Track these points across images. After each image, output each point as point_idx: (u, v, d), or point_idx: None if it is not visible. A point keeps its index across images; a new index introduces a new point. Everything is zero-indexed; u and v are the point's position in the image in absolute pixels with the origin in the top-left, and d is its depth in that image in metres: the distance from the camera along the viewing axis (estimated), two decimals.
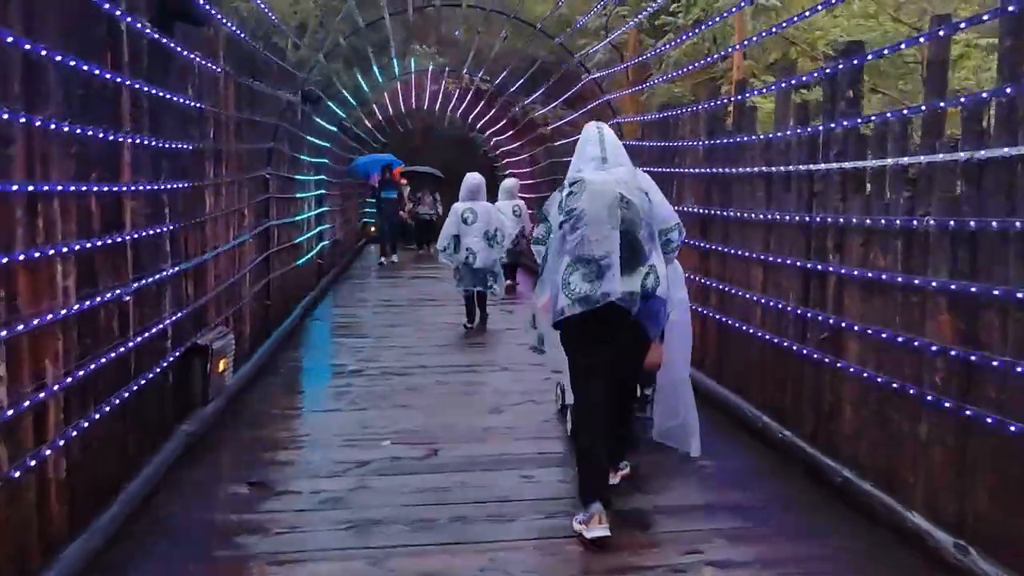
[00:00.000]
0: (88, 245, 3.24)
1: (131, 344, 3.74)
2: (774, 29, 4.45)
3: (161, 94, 4.15)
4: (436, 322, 8.92)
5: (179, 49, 4.27)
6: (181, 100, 4.51)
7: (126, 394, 3.63)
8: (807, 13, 4.21)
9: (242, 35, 5.78)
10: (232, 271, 5.96)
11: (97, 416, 3.31)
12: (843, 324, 3.93)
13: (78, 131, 3.08)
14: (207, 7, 4.36)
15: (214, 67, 5.33)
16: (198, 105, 4.94)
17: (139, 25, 3.74)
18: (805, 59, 13.96)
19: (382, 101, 17.01)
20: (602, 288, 3.43)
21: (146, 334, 3.96)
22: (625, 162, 3.78)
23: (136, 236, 3.81)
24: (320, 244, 11.33)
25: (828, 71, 3.85)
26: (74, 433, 3.09)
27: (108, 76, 3.43)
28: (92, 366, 3.25)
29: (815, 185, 4.27)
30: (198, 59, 4.90)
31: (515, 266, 11.76)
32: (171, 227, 4.36)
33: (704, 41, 15.79)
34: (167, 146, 4.30)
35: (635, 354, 3.71)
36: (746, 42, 4.98)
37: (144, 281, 3.95)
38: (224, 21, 4.83)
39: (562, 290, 3.53)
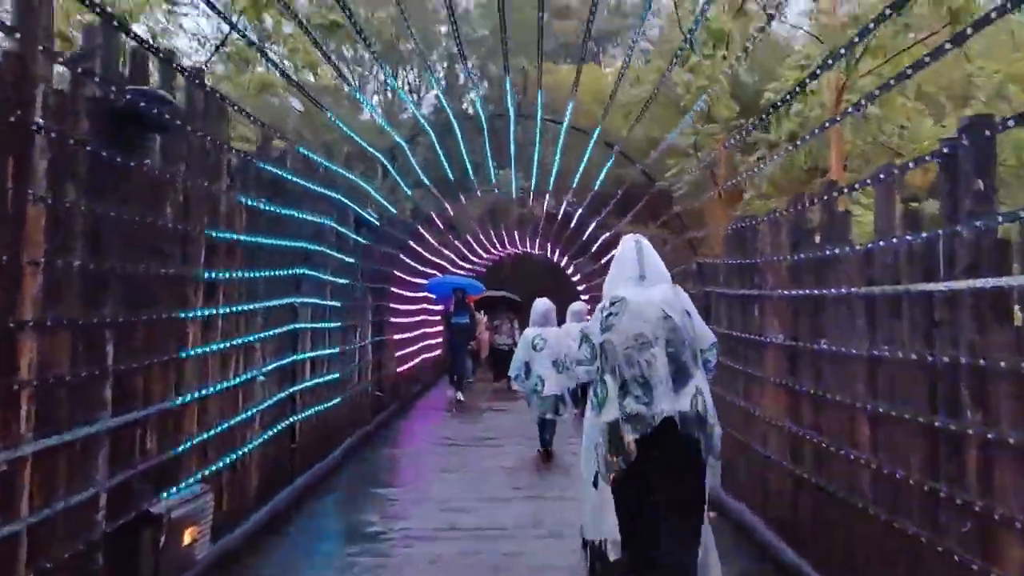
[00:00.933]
0: None
1: (19, 524, 2.90)
2: (858, 108, 3.40)
3: (108, 212, 3.49)
4: (492, 466, 7.86)
5: (121, 160, 3.59)
6: (145, 220, 3.84)
7: None
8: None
9: (246, 155, 5.21)
10: (233, 413, 5.16)
11: None
12: (996, 515, 2.67)
13: None
14: (161, 114, 3.72)
15: (212, 186, 4.74)
16: (180, 227, 4.30)
17: (48, 130, 3.08)
18: (914, 172, 12.77)
19: (468, 226, 16.77)
20: (655, 408, 3.34)
21: (52, 507, 3.11)
22: (664, 279, 3.70)
23: (40, 381, 3.04)
24: (378, 374, 10.58)
25: (946, 150, 2.77)
26: None
27: None
28: None
29: (936, 311, 3.12)
30: (182, 175, 4.31)
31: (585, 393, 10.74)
32: (110, 367, 3.59)
33: (799, 152, 14.84)
34: (118, 271, 3.60)
35: (688, 472, 3.47)
36: (826, 124, 4.00)
37: (56, 437, 3.15)
38: (189, 129, 4.19)
39: (619, 416, 3.41)
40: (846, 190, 3.71)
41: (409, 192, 11.56)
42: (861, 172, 15.67)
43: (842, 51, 3.33)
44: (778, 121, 14.47)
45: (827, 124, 4.11)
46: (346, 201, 8.13)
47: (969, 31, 2.60)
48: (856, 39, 3.72)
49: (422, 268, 14.16)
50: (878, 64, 14.44)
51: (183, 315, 4.33)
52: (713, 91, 10.88)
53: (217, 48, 16.85)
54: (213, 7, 5.33)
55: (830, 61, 3.53)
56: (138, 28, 14.17)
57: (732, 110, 17.10)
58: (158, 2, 13.18)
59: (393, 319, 11.94)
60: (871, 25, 3.27)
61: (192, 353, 4.46)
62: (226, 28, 16.74)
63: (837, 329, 4.04)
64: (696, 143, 17.74)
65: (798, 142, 5.95)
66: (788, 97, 4.91)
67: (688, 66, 16.62)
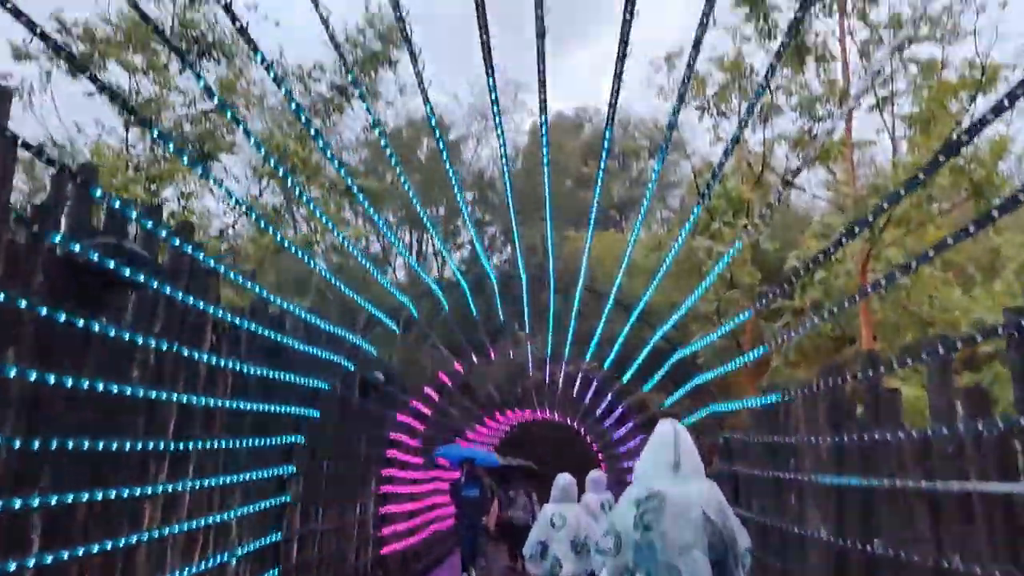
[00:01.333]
0: None
1: None
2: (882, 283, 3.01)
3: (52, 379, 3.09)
4: None
5: (68, 321, 3.23)
6: (94, 386, 3.42)
7: None
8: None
9: (235, 316, 4.87)
10: None
11: None
12: None
13: None
14: (120, 267, 3.38)
15: (191, 348, 4.36)
16: (147, 392, 3.88)
17: None
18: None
19: (485, 390, 16.29)
20: None
21: None
22: (700, 470, 3.48)
23: None
24: (379, 550, 9.76)
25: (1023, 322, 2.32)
26: None
27: None
28: None
29: (1020, 516, 2.55)
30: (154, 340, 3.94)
31: None
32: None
33: (826, 323, 14.46)
34: (52, 446, 3.15)
35: None
36: (852, 299, 3.58)
37: None
38: (155, 287, 3.80)
39: None
40: (895, 365, 3.23)
41: (423, 352, 11.23)
42: (891, 342, 15.19)
43: (867, 219, 3.02)
44: (803, 288, 14.23)
45: (852, 300, 3.75)
46: (349, 365, 7.75)
47: (972, 228, 2.38)
48: (880, 208, 3.42)
49: (433, 433, 13.56)
50: (902, 234, 14.36)
51: (138, 492, 3.83)
52: (734, 255, 10.69)
53: (247, 211, 17.33)
54: (237, 200, 5.22)
55: (855, 230, 3.20)
56: (168, 191, 14.59)
57: (754, 277, 16.98)
58: (188, 169, 13.59)
59: (399, 489, 11.22)
60: (895, 196, 2.97)
61: (145, 538, 3.91)
62: (254, 191, 17.23)
63: (893, 528, 3.43)
64: (719, 309, 17.51)
65: (826, 313, 5.54)
66: (811, 265, 4.57)
67: (709, 233, 16.73)
